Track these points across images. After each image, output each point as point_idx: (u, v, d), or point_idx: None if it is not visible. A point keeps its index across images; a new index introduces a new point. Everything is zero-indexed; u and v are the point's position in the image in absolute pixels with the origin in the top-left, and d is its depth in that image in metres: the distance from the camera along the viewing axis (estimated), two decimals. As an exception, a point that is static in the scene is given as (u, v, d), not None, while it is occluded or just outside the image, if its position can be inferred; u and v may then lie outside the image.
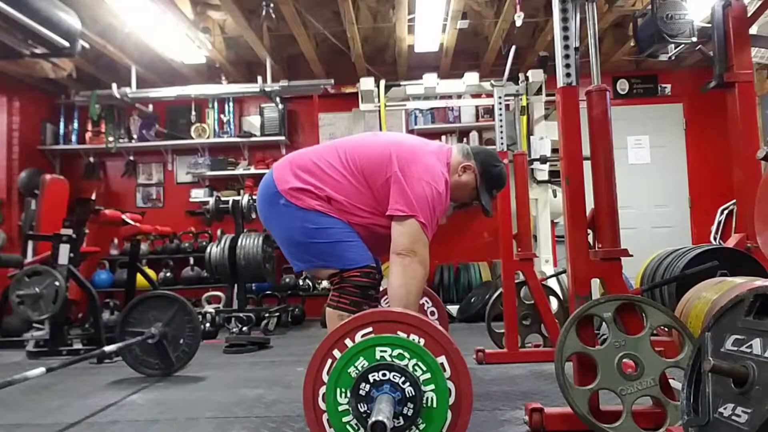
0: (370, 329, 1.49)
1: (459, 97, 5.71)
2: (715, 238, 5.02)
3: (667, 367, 1.66)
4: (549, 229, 5.13)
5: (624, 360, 1.67)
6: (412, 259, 1.87)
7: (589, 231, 1.90)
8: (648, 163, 6.21)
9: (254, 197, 5.41)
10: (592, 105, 1.86)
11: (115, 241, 6.16)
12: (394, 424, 1.40)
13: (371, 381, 1.42)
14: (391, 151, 1.98)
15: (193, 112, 6.32)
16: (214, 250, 4.80)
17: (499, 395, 2.37)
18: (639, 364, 1.66)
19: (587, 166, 1.86)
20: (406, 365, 1.43)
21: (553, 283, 3.85)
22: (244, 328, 4.26)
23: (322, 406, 1.47)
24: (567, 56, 1.87)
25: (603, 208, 1.84)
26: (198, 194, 6.23)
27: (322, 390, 1.47)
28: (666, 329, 2.28)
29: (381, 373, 1.43)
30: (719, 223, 5.06)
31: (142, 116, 6.35)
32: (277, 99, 5.94)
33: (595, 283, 1.86)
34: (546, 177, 5.16)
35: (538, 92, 5.18)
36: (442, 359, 1.46)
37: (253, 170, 6.21)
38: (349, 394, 1.43)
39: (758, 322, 1.06)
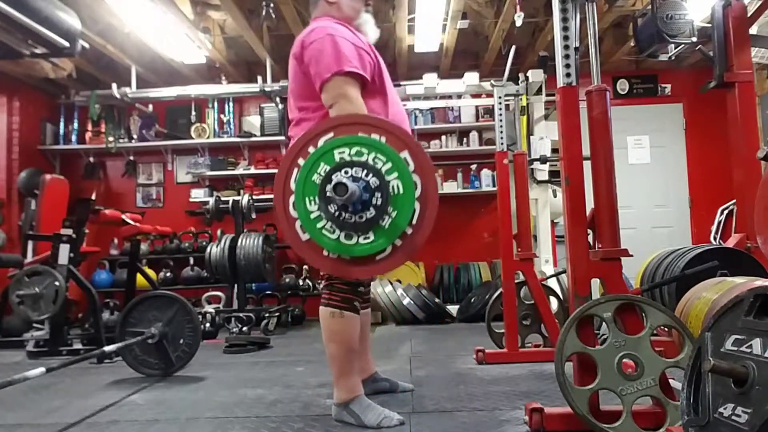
0: (331, 134, 1.51)
1: (459, 97, 5.72)
2: (715, 238, 5.02)
3: (667, 367, 1.66)
4: (549, 229, 5.13)
5: (624, 360, 1.67)
6: (339, 102, 1.84)
7: (589, 231, 1.90)
8: (648, 163, 6.20)
9: (254, 197, 5.45)
10: (592, 105, 1.86)
11: (115, 241, 6.16)
12: (367, 216, 1.43)
13: (334, 182, 1.44)
14: (300, 60, 2.00)
15: (193, 112, 6.32)
16: (214, 250, 4.80)
17: (499, 395, 2.37)
18: (639, 364, 1.66)
19: (587, 166, 1.86)
20: (366, 160, 1.45)
21: (553, 283, 3.85)
22: (244, 328, 4.26)
23: (294, 213, 1.51)
24: (567, 56, 1.87)
25: (603, 208, 1.84)
26: (198, 194, 6.23)
27: (292, 199, 1.50)
28: (666, 329, 2.28)
29: (342, 171, 1.44)
30: (719, 223, 5.05)
31: (142, 116, 6.35)
32: (277, 99, 5.93)
33: (595, 283, 1.86)
34: (546, 177, 5.16)
35: (538, 92, 5.18)
36: (405, 154, 1.48)
37: (253, 170, 6.21)
38: (317, 200, 1.45)
39: (758, 322, 1.06)
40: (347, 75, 1.89)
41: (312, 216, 1.47)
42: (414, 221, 1.47)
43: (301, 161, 1.50)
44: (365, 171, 1.43)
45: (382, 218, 1.44)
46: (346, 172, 1.44)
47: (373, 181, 1.43)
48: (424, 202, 1.46)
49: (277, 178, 1.53)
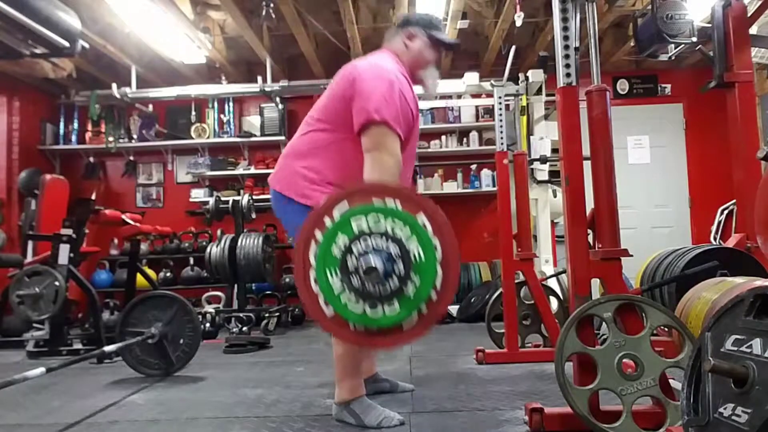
0: (345, 204, 1.50)
1: (459, 97, 5.72)
2: (715, 238, 5.02)
3: (667, 367, 1.66)
4: (549, 229, 5.13)
5: (624, 360, 1.67)
6: (380, 152, 1.87)
7: (589, 231, 1.90)
8: (648, 163, 6.21)
9: (254, 197, 5.45)
10: (592, 105, 1.86)
11: (115, 241, 6.16)
12: (391, 287, 1.42)
13: (355, 253, 1.43)
14: (348, 85, 1.98)
15: (193, 112, 6.32)
16: (214, 250, 4.80)
17: (499, 395, 2.37)
18: (639, 364, 1.66)
19: (587, 166, 1.86)
20: (385, 229, 1.43)
21: (553, 283, 3.84)
22: (244, 328, 4.26)
23: (316, 288, 1.49)
24: (567, 56, 1.87)
25: (603, 208, 1.84)
26: (198, 194, 6.23)
27: (312, 273, 1.48)
28: (666, 329, 2.28)
29: (362, 241, 1.43)
30: (719, 223, 5.07)
31: (142, 116, 6.35)
32: (277, 99, 5.94)
33: (595, 283, 1.86)
34: (546, 177, 5.16)
35: (538, 92, 5.18)
36: (421, 217, 1.46)
37: (253, 170, 6.21)
38: (339, 273, 1.44)
39: (758, 322, 1.06)
40: (394, 124, 1.90)
41: (335, 290, 1.45)
42: (438, 286, 1.46)
43: (318, 234, 1.47)
44: (385, 239, 1.42)
45: (405, 286, 1.43)
46: (365, 241, 1.42)
47: (394, 249, 1.42)
48: (446, 265, 1.44)
49: (295, 253, 1.51)
